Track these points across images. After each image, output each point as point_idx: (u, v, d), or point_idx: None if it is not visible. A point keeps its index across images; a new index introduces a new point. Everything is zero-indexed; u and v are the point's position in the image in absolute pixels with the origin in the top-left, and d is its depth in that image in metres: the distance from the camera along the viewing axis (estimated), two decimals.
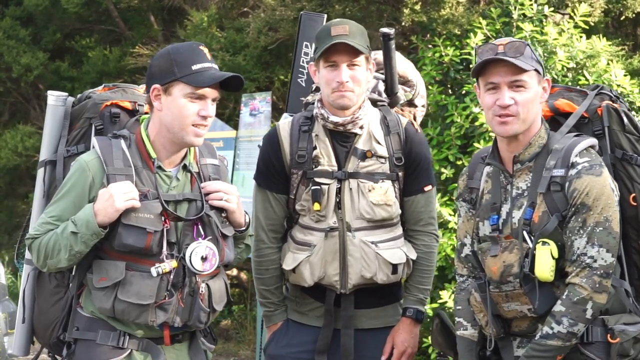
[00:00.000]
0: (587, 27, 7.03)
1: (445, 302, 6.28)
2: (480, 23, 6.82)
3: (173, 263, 3.42)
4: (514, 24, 6.82)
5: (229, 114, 9.69)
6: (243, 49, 9.11)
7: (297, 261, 3.82)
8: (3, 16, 11.63)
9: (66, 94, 3.82)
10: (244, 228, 3.66)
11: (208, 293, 3.52)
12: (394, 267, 3.80)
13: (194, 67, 3.41)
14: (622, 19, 8.11)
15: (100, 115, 3.70)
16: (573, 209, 3.24)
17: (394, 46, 3.91)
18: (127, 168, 3.45)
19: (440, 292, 6.31)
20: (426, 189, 3.89)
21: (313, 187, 3.78)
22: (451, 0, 7.20)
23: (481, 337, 3.49)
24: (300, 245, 3.84)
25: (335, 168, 3.80)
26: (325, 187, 3.79)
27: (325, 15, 4.36)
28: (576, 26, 6.94)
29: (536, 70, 3.30)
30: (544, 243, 3.24)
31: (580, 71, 6.76)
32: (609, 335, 3.25)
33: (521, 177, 3.37)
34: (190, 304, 3.47)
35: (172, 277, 3.43)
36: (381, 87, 3.99)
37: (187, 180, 3.55)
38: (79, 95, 3.85)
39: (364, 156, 3.79)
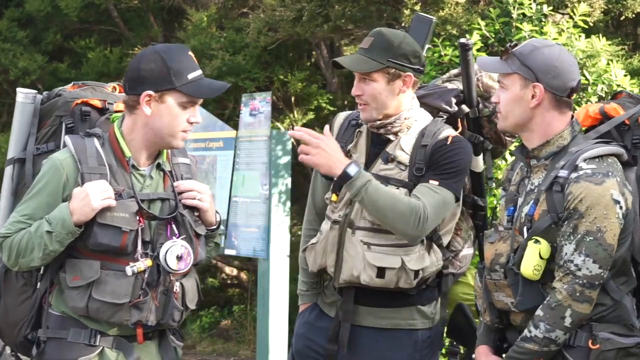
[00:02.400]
0: (586, 27, 7.02)
1: None
2: (479, 24, 6.81)
3: (148, 262, 3.44)
4: (514, 24, 6.81)
5: (229, 114, 9.68)
6: (243, 48, 9.11)
7: (307, 245, 3.97)
8: (0, 18, 11.60)
9: (35, 91, 3.80)
10: (214, 227, 3.68)
11: (182, 292, 3.53)
12: (380, 270, 3.75)
13: (190, 76, 3.43)
14: (622, 19, 8.10)
15: (71, 113, 3.69)
16: (566, 212, 3.24)
17: (471, 56, 3.93)
18: (101, 167, 3.45)
19: None
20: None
21: (336, 179, 3.79)
22: (450, 0, 7.19)
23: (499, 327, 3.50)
24: (318, 232, 3.95)
25: (363, 166, 3.81)
26: None
27: (434, 19, 4.22)
28: (575, 26, 6.93)
29: (519, 74, 3.34)
30: (536, 241, 3.25)
31: (580, 71, 6.74)
32: (590, 341, 3.24)
33: (537, 173, 3.40)
34: (165, 302, 3.49)
35: (146, 276, 3.44)
36: (454, 98, 3.99)
37: (160, 179, 3.57)
38: (45, 93, 3.83)
39: (387, 160, 3.83)
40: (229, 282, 11.04)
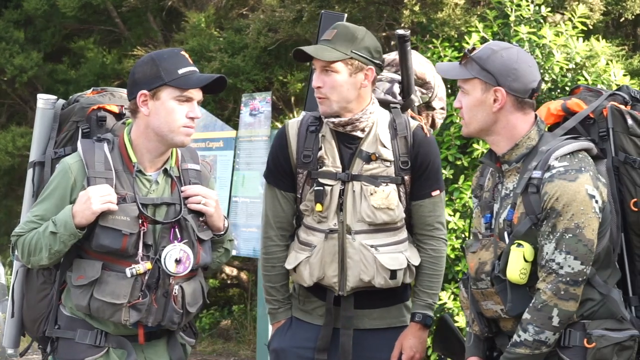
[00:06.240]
0: (585, 28, 7.02)
1: (445, 303, 6.28)
2: (476, 26, 6.81)
3: (147, 265, 3.53)
4: (512, 25, 6.81)
5: (228, 114, 9.69)
6: (242, 49, 9.10)
7: (297, 260, 3.86)
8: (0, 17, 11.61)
9: (55, 97, 3.93)
10: (222, 232, 3.74)
11: (181, 295, 3.60)
12: (392, 273, 3.80)
13: (180, 72, 3.53)
14: (621, 20, 8.10)
15: (87, 118, 3.81)
16: (544, 213, 3.24)
17: (409, 48, 3.94)
18: (107, 171, 3.56)
19: (440, 293, 6.30)
20: (434, 193, 3.89)
21: (316, 188, 3.81)
22: (450, 2, 7.19)
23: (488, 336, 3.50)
24: (302, 245, 3.87)
25: (340, 169, 3.81)
26: (328, 188, 3.81)
27: (346, 15, 4.33)
28: (575, 27, 6.93)
29: (479, 78, 3.33)
30: (518, 245, 3.25)
31: (579, 71, 6.75)
32: (585, 340, 3.23)
33: (510, 177, 3.39)
34: (164, 305, 3.57)
35: (146, 278, 3.53)
36: (396, 89, 4.00)
37: (167, 185, 3.65)
38: (62, 99, 3.95)
39: (368, 159, 3.81)
40: (229, 282, 11.04)
